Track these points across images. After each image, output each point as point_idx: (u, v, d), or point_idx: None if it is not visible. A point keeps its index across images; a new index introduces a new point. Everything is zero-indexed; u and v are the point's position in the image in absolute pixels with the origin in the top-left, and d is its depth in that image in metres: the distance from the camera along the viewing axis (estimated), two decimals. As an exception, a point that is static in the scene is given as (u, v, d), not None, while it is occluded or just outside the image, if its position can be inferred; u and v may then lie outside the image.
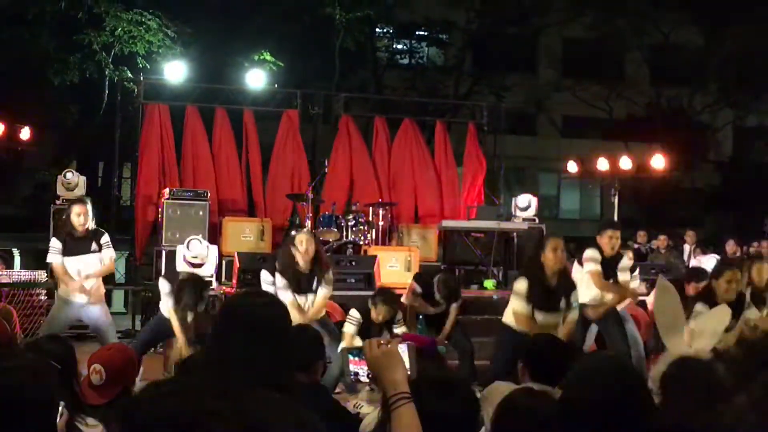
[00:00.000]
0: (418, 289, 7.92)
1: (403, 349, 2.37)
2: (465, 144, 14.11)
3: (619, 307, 7.52)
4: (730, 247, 13.60)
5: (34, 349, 3.36)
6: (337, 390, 6.90)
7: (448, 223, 12.07)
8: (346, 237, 10.96)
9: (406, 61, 25.88)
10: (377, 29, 24.05)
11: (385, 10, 21.57)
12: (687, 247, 14.81)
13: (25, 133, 12.63)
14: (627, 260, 7.42)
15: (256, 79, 13.38)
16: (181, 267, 8.39)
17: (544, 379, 3.58)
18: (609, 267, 7.16)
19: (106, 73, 14.59)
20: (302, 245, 7.00)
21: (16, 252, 12.72)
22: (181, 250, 8.75)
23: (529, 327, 6.32)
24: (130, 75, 13.97)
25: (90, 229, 7.21)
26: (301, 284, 7.07)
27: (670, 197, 23.54)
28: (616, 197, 15.58)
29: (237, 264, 9.85)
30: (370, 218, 11.45)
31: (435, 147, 13.91)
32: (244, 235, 11.20)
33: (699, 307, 6.05)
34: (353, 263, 10.16)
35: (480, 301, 9.78)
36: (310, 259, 7.05)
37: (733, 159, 27.60)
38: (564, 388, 2.53)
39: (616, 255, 7.20)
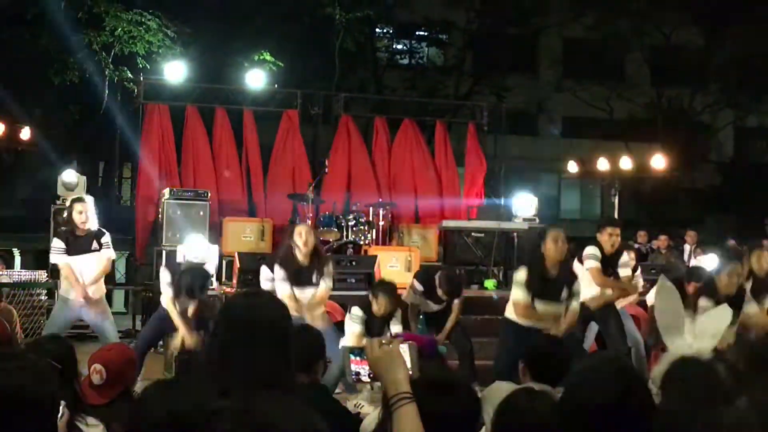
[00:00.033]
0: (419, 287, 7.89)
1: (404, 349, 2.36)
2: (465, 144, 14.12)
3: (618, 306, 7.51)
4: (731, 247, 13.60)
5: (35, 349, 3.36)
6: (338, 390, 6.90)
7: (448, 223, 12.08)
8: (347, 237, 10.97)
9: (406, 61, 25.86)
10: (377, 29, 24.05)
11: (385, 10, 21.57)
12: (687, 247, 14.81)
13: (25, 133, 12.63)
14: (627, 257, 7.42)
15: (256, 79, 13.39)
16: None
17: (545, 379, 3.58)
18: (609, 264, 7.16)
19: (106, 73, 14.59)
20: (301, 237, 6.95)
21: (16, 252, 12.74)
22: (181, 250, 8.76)
23: (528, 316, 6.30)
24: (130, 75, 13.96)
25: (92, 228, 7.21)
26: (300, 277, 7.02)
27: (671, 197, 23.54)
28: (617, 197, 15.60)
29: (237, 264, 9.85)
30: (371, 218, 11.45)
31: (435, 147, 13.92)
32: (245, 235, 11.20)
33: (703, 302, 6.04)
34: (353, 263, 10.16)
35: (480, 301, 9.76)
36: (309, 251, 7.00)
37: (734, 159, 27.59)
38: (564, 388, 2.52)
39: (616, 252, 7.21)
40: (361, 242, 11.04)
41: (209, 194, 11.12)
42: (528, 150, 24.28)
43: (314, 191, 11.24)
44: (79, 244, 7.14)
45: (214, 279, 9.32)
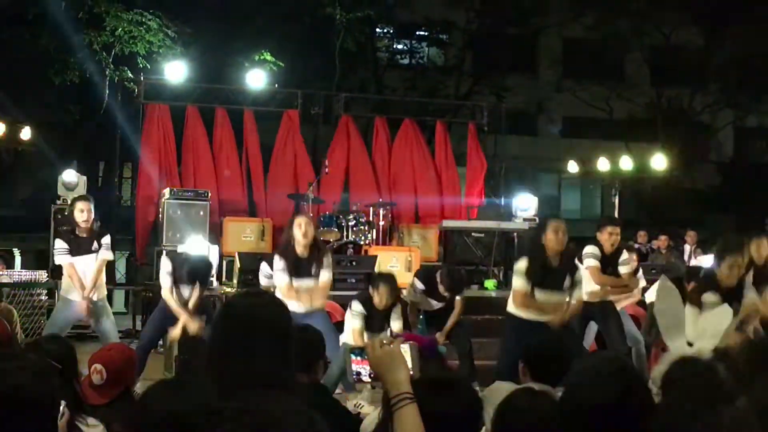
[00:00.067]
0: (420, 285, 7.88)
1: (405, 349, 2.37)
2: (465, 144, 14.13)
3: (618, 307, 7.51)
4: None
5: (35, 349, 3.36)
6: (338, 390, 6.90)
7: (448, 223, 12.08)
8: (347, 237, 10.98)
9: (406, 61, 25.86)
10: (377, 29, 24.05)
11: (386, 11, 21.58)
12: (687, 248, 14.81)
13: (25, 133, 12.65)
14: (627, 255, 7.40)
15: (256, 79, 13.39)
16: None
17: (545, 379, 3.58)
18: (609, 264, 7.16)
19: (107, 73, 14.59)
20: (301, 228, 6.91)
21: (16, 252, 12.74)
22: (181, 250, 8.75)
23: (527, 305, 6.28)
24: (130, 75, 13.97)
25: (94, 228, 7.20)
26: (299, 268, 6.99)
27: (671, 197, 23.52)
28: (617, 197, 15.60)
29: (238, 264, 9.85)
30: (371, 218, 11.45)
31: (435, 147, 13.92)
32: (245, 235, 11.21)
33: (708, 296, 6.01)
34: (354, 263, 10.15)
35: (480, 301, 9.77)
36: (309, 243, 6.98)
37: (734, 159, 27.59)
38: (565, 388, 2.53)
39: (615, 252, 7.20)
40: (362, 242, 11.04)
41: (209, 194, 11.13)
42: (528, 150, 24.28)
43: (314, 191, 11.25)
44: (81, 244, 7.13)
45: (214, 279, 9.33)
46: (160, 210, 11.12)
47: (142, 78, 12.76)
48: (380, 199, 12.36)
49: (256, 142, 12.73)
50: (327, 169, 11.58)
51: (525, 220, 12.23)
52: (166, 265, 7.14)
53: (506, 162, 14.66)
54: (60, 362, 2.99)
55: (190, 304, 7.05)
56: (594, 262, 7.04)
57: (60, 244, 7.17)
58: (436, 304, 7.89)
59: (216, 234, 11.02)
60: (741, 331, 5.69)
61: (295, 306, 6.66)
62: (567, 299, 6.41)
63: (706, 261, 11.52)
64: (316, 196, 11.54)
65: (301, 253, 6.93)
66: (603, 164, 15.75)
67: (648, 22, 23.93)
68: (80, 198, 7.42)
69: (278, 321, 2.46)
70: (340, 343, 7.09)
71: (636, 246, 13.69)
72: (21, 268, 11.55)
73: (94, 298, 7.14)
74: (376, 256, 10.32)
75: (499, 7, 23.00)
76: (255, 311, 2.44)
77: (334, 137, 13.23)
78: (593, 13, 23.66)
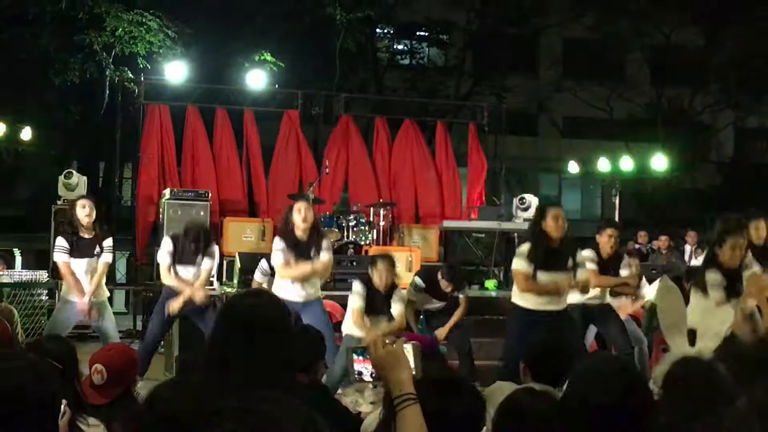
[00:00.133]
0: (421, 283, 7.88)
1: (408, 349, 2.36)
2: (466, 144, 14.12)
3: (623, 315, 7.53)
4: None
5: (36, 349, 3.35)
6: (338, 390, 6.90)
7: (449, 224, 12.08)
8: (347, 237, 10.97)
9: (406, 61, 25.87)
10: (378, 30, 24.06)
11: (386, 11, 21.58)
12: (688, 248, 14.80)
13: (25, 134, 12.67)
14: (627, 259, 7.40)
15: (256, 79, 13.39)
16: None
17: (546, 379, 3.58)
18: (608, 268, 7.15)
19: (107, 73, 14.60)
20: (300, 213, 6.91)
21: (17, 252, 12.75)
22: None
23: (529, 288, 6.26)
24: (130, 75, 13.98)
25: (97, 230, 7.18)
26: (298, 251, 6.95)
27: (671, 197, 23.53)
28: (617, 197, 15.60)
29: (238, 264, 9.85)
30: (371, 218, 11.45)
31: (436, 147, 13.91)
32: (245, 235, 11.21)
33: (712, 276, 5.98)
34: (354, 263, 10.14)
35: (480, 301, 9.77)
36: (309, 227, 6.98)
37: (734, 160, 27.59)
38: (566, 387, 2.53)
39: (614, 255, 7.19)
40: (362, 242, 11.04)
41: (210, 194, 11.12)
42: (528, 150, 24.27)
43: (315, 191, 11.25)
44: (84, 247, 7.08)
45: (215, 279, 9.33)
46: (160, 210, 11.12)
47: (142, 78, 12.76)
48: (380, 200, 12.36)
49: (256, 143, 12.73)
50: (327, 170, 11.59)
51: (525, 220, 12.22)
52: (166, 245, 7.06)
53: (506, 162, 14.65)
54: (61, 362, 2.99)
55: (201, 278, 7.00)
56: (592, 266, 7.03)
57: (61, 242, 7.14)
58: (436, 303, 7.90)
59: (216, 234, 11.01)
60: (751, 319, 5.65)
61: (292, 296, 6.68)
62: (570, 279, 6.38)
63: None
64: (316, 196, 11.54)
65: (301, 237, 6.94)
66: (603, 164, 15.76)
67: (648, 22, 23.94)
68: (83, 196, 7.41)
69: (278, 321, 2.46)
70: (343, 334, 7.12)
71: (636, 246, 13.71)
72: (21, 268, 11.57)
73: (94, 299, 7.13)
74: (376, 257, 10.30)
75: (499, 7, 23.01)
76: (255, 311, 2.44)
77: (334, 137, 13.23)
78: (593, 13, 23.67)
